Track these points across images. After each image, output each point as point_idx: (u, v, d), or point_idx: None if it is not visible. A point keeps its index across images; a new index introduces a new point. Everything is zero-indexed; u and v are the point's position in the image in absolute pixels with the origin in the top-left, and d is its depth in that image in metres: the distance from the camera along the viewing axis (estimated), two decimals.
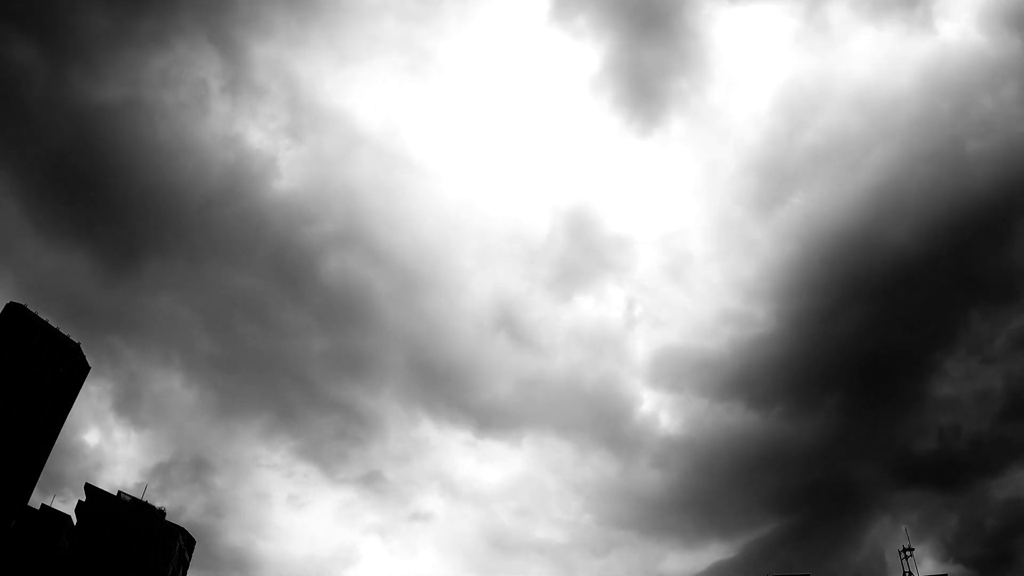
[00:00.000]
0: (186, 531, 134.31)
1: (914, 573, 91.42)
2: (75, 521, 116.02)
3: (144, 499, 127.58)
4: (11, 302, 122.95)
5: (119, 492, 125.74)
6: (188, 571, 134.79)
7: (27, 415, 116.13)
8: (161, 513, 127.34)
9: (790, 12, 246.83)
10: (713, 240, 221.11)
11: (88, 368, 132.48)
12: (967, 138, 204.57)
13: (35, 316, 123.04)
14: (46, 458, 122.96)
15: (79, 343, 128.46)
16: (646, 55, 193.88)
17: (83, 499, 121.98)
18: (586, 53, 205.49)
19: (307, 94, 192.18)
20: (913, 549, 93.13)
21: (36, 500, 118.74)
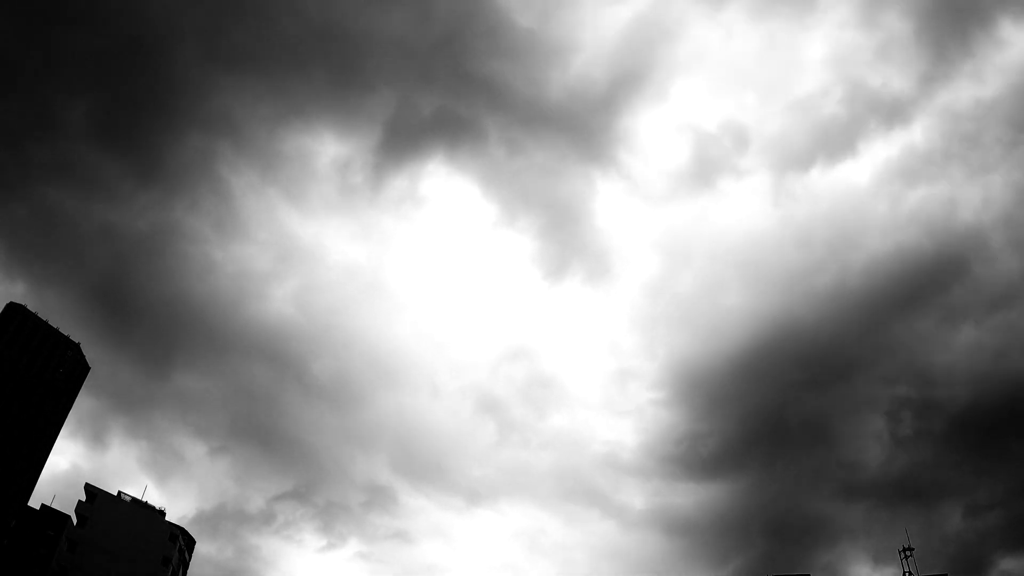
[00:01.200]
0: (186, 531, 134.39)
1: (914, 573, 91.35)
2: (75, 521, 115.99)
3: (144, 499, 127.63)
4: (11, 302, 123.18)
5: (119, 492, 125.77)
6: (188, 571, 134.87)
7: (27, 415, 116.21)
8: (161, 513, 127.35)
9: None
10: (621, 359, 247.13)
11: (88, 368, 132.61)
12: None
13: (35, 316, 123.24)
14: (46, 458, 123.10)
15: (79, 343, 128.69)
16: (562, 240, 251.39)
17: (83, 499, 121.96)
18: (523, 239, 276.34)
19: (289, 235, 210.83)
20: (913, 549, 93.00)
21: (36, 500, 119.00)
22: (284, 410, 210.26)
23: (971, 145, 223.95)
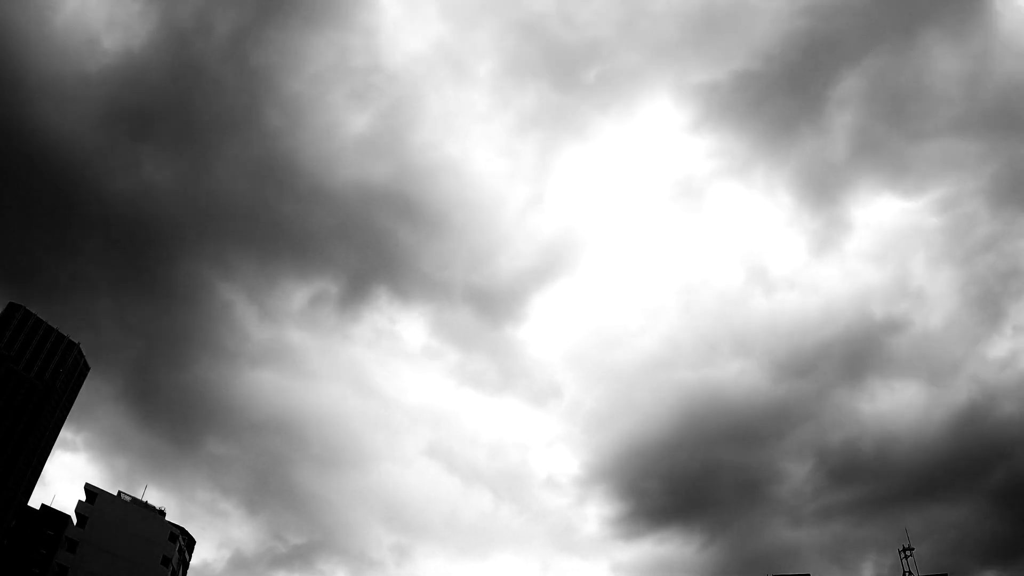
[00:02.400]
0: (186, 531, 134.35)
1: (914, 573, 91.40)
2: (75, 521, 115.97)
3: (144, 499, 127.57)
4: (11, 302, 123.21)
5: (119, 492, 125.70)
6: (188, 571, 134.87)
7: (27, 415, 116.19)
8: (161, 513, 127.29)
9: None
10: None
11: (88, 368, 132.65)
12: None
13: (35, 316, 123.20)
14: (46, 458, 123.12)
15: (79, 343, 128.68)
16: (484, 359, 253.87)
17: (83, 499, 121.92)
18: (450, 360, 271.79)
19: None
20: (913, 549, 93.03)
21: (36, 500, 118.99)
22: (295, 473, 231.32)
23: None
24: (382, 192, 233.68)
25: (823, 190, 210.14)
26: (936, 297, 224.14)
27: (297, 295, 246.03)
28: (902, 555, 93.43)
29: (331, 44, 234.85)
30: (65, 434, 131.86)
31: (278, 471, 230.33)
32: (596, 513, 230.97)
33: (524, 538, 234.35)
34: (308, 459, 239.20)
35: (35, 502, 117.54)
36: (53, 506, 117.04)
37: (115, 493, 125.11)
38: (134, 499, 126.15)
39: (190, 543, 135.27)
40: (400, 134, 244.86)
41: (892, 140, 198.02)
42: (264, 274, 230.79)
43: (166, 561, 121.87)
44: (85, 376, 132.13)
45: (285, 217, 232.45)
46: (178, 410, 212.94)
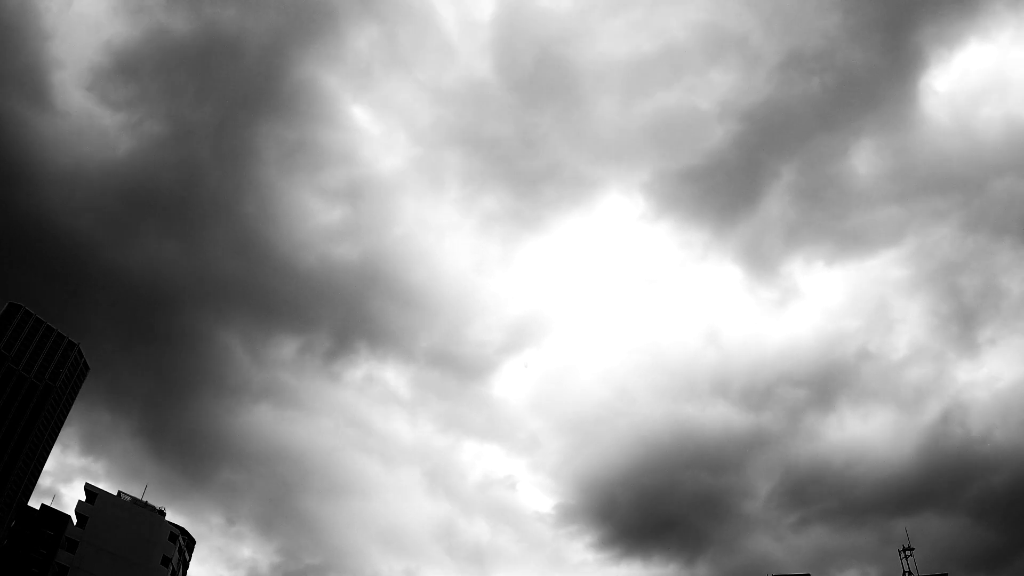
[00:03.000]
0: (186, 531, 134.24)
1: (914, 573, 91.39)
2: (75, 521, 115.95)
3: (144, 499, 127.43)
4: (11, 302, 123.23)
5: (119, 492, 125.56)
6: (188, 571, 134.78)
7: (27, 415, 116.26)
8: (161, 513, 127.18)
9: None
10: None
11: (88, 368, 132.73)
12: None
13: (36, 316, 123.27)
14: (46, 458, 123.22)
15: (79, 343, 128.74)
16: (464, 407, 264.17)
17: (83, 499, 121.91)
18: (432, 408, 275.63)
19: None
20: (913, 549, 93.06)
21: (36, 500, 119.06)
22: (301, 500, 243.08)
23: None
24: (358, 271, 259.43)
25: (767, 261, 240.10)
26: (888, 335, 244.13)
27: (288, 344, 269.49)
28: (902, 555, 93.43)
29: (311, 153, 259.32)
30: (65, 434, 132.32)
31: (286, 497, 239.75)
32: (582, 539, 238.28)
33: (522, 561, 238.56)
34: (311, 487, 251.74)
35: (35, 502, 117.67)
36: (53, 506, 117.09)
37: (115, 493, 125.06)
38: (134, 499, 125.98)
39: (190, 543, 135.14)
40: (377, 225, 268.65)
41: (819, 218, 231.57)
42: (258, 326, 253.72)
43: (166, 561, 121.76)
44: (85, 376, 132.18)
45: (269, 285, 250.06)
46: (187, 441, 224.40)
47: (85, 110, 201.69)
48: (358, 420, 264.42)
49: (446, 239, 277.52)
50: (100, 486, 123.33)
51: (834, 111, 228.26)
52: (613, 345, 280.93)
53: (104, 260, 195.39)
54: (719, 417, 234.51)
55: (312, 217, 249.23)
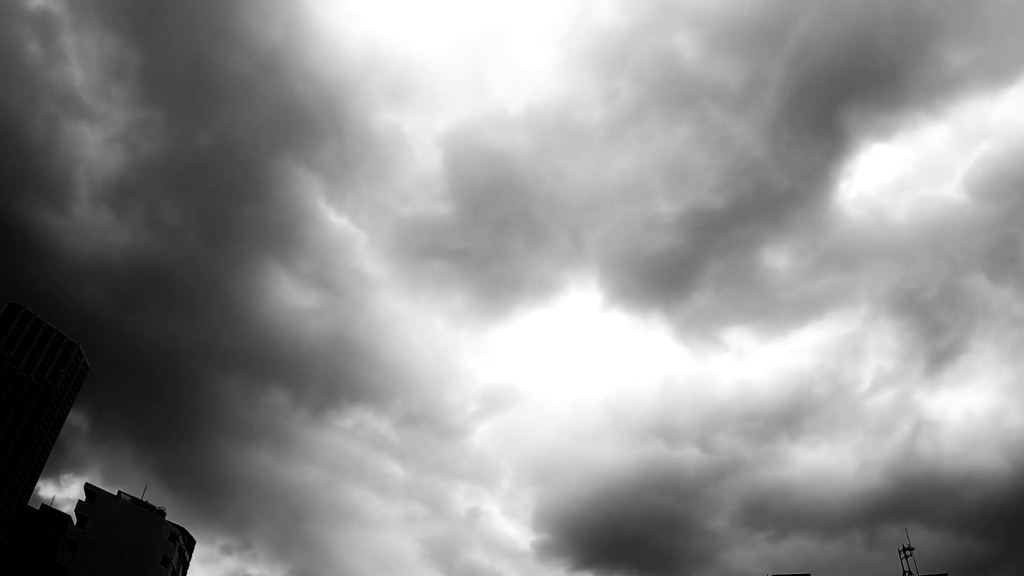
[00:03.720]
0: (186, 531, 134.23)
1: (913, 572, 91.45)
2: (75, 521, 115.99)
3: (144, 499, 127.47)
4: (11, 302, 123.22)
5: (119, 492, 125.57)
6: (188, 571, 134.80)
7: (27, 414, 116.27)
8: (161, 513, 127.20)
9: None
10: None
11: (88, 368, 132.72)
12: None
13: (36, 316, 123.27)
14: (46, 458, 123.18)
15: (78, 343, 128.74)
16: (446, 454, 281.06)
17: (83, 499, 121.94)
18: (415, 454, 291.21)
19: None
20: (913, 549, 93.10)
21: (36, 500, 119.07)
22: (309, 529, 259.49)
23: None
24: (337, 345, 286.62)
25: (706, 332, 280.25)
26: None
27: (280, 395, 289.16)
28: (902, 555, 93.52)
29: (290, 242, 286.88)
30: (65, 434, 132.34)
31: (295, 527, 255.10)
32: (559, 565, 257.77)
33: None
34: (311, 516, 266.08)
35: (35, 502, 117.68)
36: (53, 506, 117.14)
37: (115, 493, 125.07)
38: (134, 499, 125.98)
39: (190, 543, 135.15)
40: (355, 310, 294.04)
41: (746, 299, 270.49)
42: (253, 379, 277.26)
43: (166, 561, 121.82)
44: (85, 376, 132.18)
45: (258, 349, 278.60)
46: (199, 476, 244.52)
47: (102, 211, 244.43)
48: (350, 459, 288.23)
49: (420, 326, 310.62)
50: (100, 486, 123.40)
51: (756, 213, 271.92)
52: (578, 403, 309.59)
53: (115, 327, 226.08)
54: (680, 453, 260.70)
55: (291, 298, 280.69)
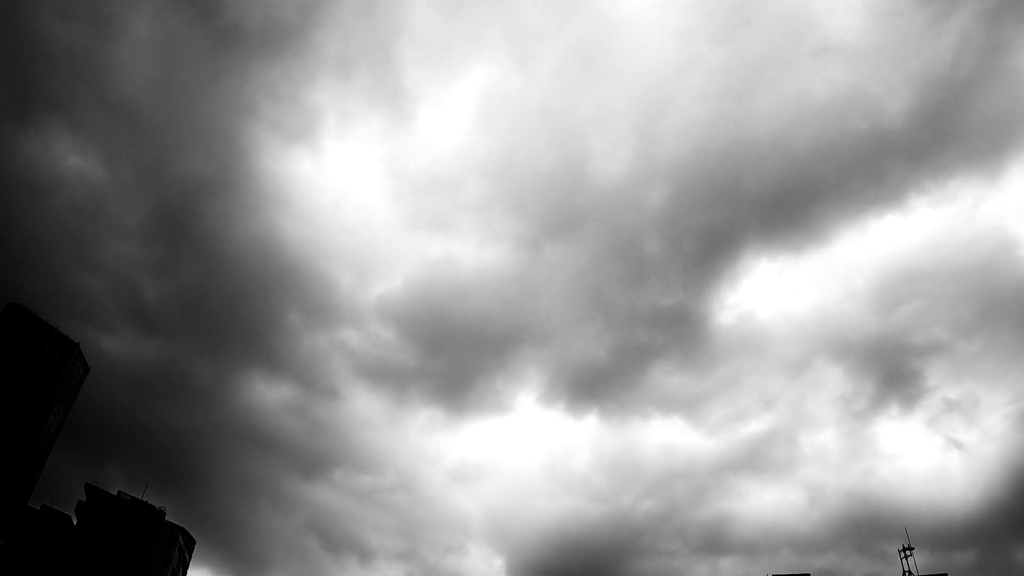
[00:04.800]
0: (186, 531, 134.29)
1: (913, 572, 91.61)
2: (75, 521, 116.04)
3: (144, 499, 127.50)
4: (11, 302, 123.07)
5: (119, 492, 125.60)
6: (188, 571, 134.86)
7: (27, 415, 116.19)
8: (161, 513, 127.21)
9: None
10: None
11: (88, 368, 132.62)
12: None
13: (36, 316, 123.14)
14: (47, 458, 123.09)
15: (79, 343, 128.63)
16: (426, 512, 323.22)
17: (83, 499, 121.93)
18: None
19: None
20: (913, 548, 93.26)
21: (36, 500, 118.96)
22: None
23: None
24: (317, 438, 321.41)
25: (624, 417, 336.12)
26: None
27: (274, 462, 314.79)
28: (902, 555, 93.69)
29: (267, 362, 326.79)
30: (65, 434, 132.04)
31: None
32: None
33: None
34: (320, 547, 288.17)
35: (35, 502, 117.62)
36: (53, 506, 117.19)
37: (115, 493, 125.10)
38: (134, 499, 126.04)
39: (190, 543, 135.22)
40: (332, 416, 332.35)
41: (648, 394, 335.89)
42: (251, 451, 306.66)
43: (166, 561, 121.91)
44: (85, 376, 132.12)
45: (249, 433, 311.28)
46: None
47: (131, 335, 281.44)
48: (342, 505, 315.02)
49: (390, 430, 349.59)
50: (100, 486, 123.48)
51: (652, 342, 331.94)
52: (535, 472, 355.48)
53: (136, 417, 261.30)
54: (629, 502, 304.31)
55: (274, 413, 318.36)
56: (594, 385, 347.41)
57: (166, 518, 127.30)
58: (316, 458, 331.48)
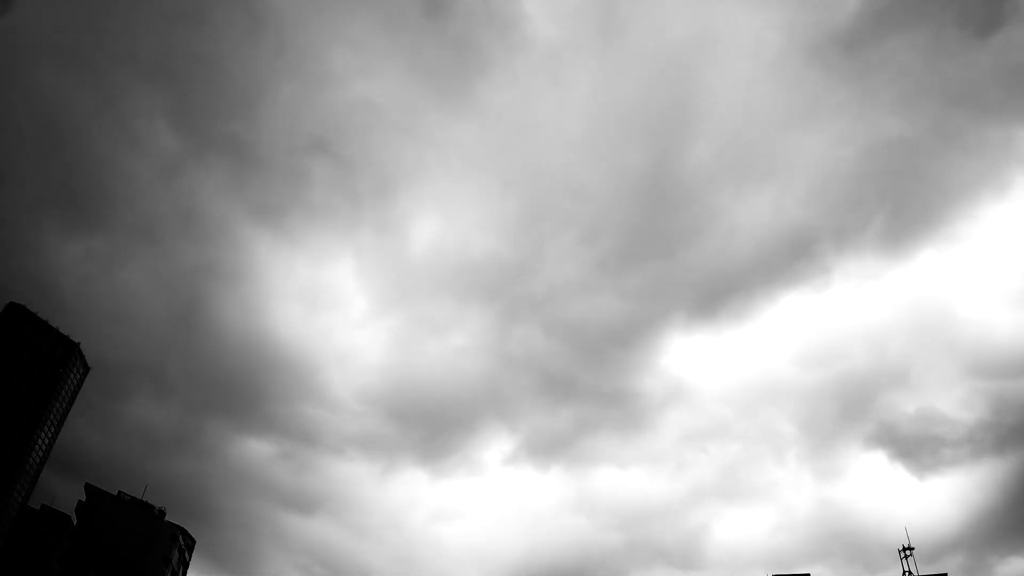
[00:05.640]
0: (186, 531, 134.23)
1: (913, 572, 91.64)
2: (75, 521, 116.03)
3: (144, 499, 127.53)
4: (11, 302, 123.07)
5: (119, 492, 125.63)
6: (188, 571, 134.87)
7: (27, 415, 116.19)
8: (161, 513, 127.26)
9: None
10: None
11: (88, 368, 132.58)
12: None
13: (35, 316, 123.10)
14: (46, 458, 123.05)
15: (79, 343, 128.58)
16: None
17: (83, 499, 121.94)
18: None
19: None
20: (913, 548, 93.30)
21: (36, 500, 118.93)
22: None
23: None
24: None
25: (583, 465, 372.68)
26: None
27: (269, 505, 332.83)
28: (902, 555, 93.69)
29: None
30: (65, 434, 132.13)
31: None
32: None
33: None
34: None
35: (35, 502, 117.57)
36: (53, 506, 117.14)
37: (115, 493, 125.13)
38: (134, 499, 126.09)
39: (190, 543, 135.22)
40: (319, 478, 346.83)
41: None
42: (251, 500, 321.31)
43: (166, 561, 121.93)
44: (86, 376, 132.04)
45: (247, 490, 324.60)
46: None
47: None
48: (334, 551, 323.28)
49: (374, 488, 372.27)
50: (100, 486, 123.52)
51: (597, 414, 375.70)
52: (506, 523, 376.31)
53: (147, 471, 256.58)
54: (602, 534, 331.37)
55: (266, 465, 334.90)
56: (553, 447, 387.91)
57: (166, 518, 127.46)
58: (307, 501, 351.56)
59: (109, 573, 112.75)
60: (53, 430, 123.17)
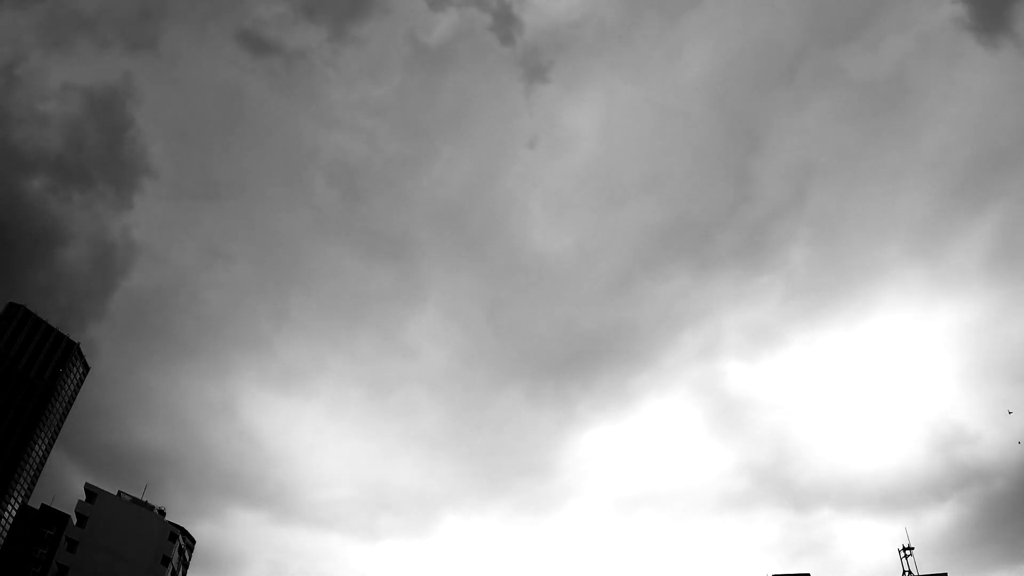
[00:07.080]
0: (186, 531, 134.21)
1: (914, 572, 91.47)
2: (75, 521, 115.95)
3: (144, 499, 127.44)
4: (11, 302, 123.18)
5: (119, 492, 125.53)
6: (188, 571, 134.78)
7: (27, 414, 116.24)
8: (161, 513, 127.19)
9: None
10: None
11: (88, 368, 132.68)
12: None
13: (35, 316, 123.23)
14: (47, 458, 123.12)
15: (79, 343, 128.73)
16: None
17: (83, 499, 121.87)
18: None
19: None
20: (913, 548, 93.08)
21: (36, 500, 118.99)
22: None
23: None
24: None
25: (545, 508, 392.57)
26: None
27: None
28: (902, 554, 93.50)
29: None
30: (65, 434, 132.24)
31: None
32: None
33: None
34: None
35: (35, 502, 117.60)
36: (53, 506, 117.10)
37: (115, 493, 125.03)
38: (134, 499, 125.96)
39: (190, 543, 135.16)
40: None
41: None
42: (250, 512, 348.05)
43: (166, 561, 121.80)
44: (85, 376, 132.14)
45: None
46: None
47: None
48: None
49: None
50: (100, 486, 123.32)
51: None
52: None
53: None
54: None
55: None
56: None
57: (166, 518, 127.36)
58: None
59: (109, 573, 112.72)
60: (53, 430, 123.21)
